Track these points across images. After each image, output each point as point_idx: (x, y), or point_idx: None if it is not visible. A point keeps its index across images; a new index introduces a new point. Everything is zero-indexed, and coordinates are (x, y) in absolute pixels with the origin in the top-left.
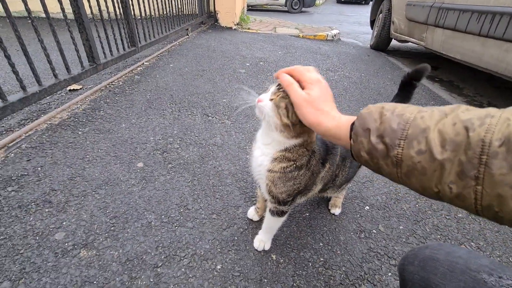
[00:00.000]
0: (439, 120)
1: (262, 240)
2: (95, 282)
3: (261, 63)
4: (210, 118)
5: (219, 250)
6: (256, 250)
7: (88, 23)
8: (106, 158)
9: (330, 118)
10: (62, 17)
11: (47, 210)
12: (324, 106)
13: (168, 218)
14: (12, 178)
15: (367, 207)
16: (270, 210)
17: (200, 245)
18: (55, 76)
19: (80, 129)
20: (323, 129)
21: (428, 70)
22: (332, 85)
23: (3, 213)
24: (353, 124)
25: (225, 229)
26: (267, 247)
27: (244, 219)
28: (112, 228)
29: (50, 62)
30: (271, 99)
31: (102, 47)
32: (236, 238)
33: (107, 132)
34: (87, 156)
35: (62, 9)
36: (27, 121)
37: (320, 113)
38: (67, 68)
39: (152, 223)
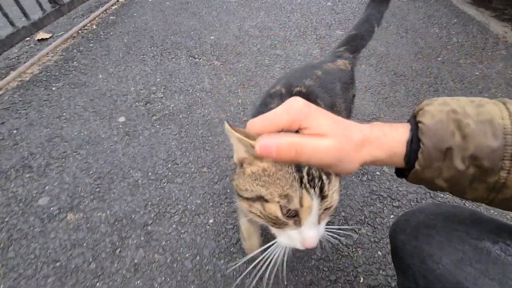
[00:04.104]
0: None
1: None
2: (84, 244)
3: None
4: (197, 60)
5: (211, 204)
6: None
7: None
8: (85, 115)
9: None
10: None
11: (27, 176)
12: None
13: (156, 175)
14: None
15: None
16: None
17: (191, 200)
18: (12, 24)
19: (54, 85)
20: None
21: None
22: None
23: None
24: (410, 142)
25: (217, 182)
26: None
27: None
28: (97, 189)
29: (0, 7)
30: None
31: None
32: (228, 190)
33: (83, 86)
34: (64, 114)
35: None
36: None
37: (358, 148)
38: (25, 14)
39: (139, 181)
